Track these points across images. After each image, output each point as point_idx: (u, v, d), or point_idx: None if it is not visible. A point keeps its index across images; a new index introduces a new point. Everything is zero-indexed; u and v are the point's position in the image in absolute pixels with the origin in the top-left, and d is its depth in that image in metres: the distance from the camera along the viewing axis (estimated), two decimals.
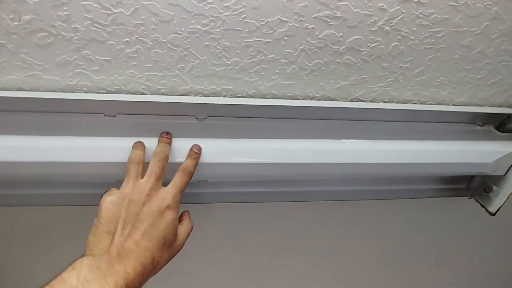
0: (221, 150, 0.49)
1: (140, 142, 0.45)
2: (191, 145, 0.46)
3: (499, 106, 0.58)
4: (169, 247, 0.40)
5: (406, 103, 0.54)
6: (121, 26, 0.41)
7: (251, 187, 0.56)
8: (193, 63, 0.45)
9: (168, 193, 0.41)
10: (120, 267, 0.33)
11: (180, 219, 0.46)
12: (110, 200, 0.38)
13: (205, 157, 0.48)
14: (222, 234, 0.64)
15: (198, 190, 0.55)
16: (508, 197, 0.60)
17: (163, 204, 0.40)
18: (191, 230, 0.45)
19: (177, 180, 0.43)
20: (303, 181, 0.57)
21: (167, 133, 0.46)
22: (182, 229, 0.43)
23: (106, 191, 0.40)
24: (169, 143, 0.45)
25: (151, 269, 0.36)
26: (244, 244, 0.66)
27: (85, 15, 0.40)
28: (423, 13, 0.46)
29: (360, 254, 0.75)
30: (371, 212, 0.68)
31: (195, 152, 0.45)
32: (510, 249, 0.85)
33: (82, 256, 0.34)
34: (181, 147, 0.47)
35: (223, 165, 0.49)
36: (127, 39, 0.42)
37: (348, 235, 0.71)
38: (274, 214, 0.62)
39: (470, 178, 0.66)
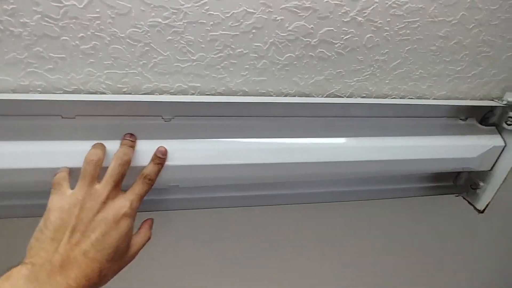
0: (191, 152, 0.46)
1: (100, 143, 0.41)
2: (156, 148, 0.43)
3: (481, 99, 0.56)
4: (120, 258, 0.37)
5: (385, 97, 0.52)
6: (74, 20, 0.39)
7: (225, 191, 0.53)
8: (156, 60, 0.42)
9: (126, 200, 0.38)
10: (62, 279, 0.29)
11: (139, 228, 0.42)
12: (60, 205, 0.35)
13: (174, 160, 0.45)
14: (199, 242, 0.60)
15: (169, 196, 0.52)
16: (495, 194, 0.58)
17: (120, 212, 0.37)
18: (147, 241, 0.41)
19: (137, 187, 0.40)
20: (281, 183, 0.54)
21: (131, 135, 0.43)
22: (137, 239, 0.40)
23: (54, 189, 0.36)
24: (133, 146, 0.42)
25: (97, 282, 0.32)
26: (220, 251, 0.62)
27: (34, 8, 0.37)
28: (396, 2, 0.44)
29: (346, 256, 0.72)
30: (356, 214, 0.66)
31: (159, 157, 0.42)
32: (500, 247, 0.82)
33: (21, 263, 0.30)
34: (146, 149, 0.43)
35: (193, 168, 0.46)
36: (82, 34, 0.39)
37: (332, 239, 0.68)
38: (252, 219, 0.59)
39: (456, 175, 0.64)
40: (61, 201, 0.35)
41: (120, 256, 0.37)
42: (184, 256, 0.62)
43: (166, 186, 0.51)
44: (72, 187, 0.38)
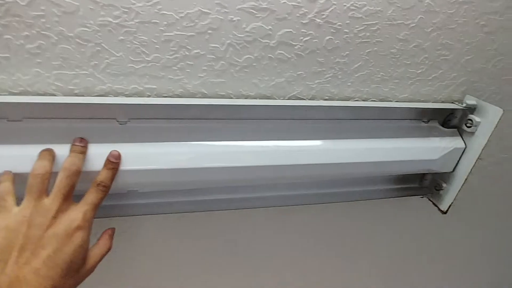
0: (147, 156, 0.44)
1: (48, 150, 0.39)
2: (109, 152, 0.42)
3: (442, 101, 0.57)
4: (76, 272, 0.35)
5: (348, 100, 0.52)
6: (17, 18, 0.37)
7: (188, 195, 0.51)
8: (108, 60, 0.41)
9: (78, 212, 0.36)
10: None
11: (98, 239, 0.41)
12: (5, 224, 0.33)
13: (130, 164, 0.43)
14: (167, 246, 0.59)
15: (128, 202, 0.50)
16: (457, 194, 0.59)
17: (72, 225, 0.35)
18: (107, 252, 0.40)
19: (90, 196, 0.38)
20: (241, 187, 0.53)
21: (81, 139, 0.41)
22: (95, 251, 0.39)
23: None
24: (83, 152, 0.40)
25: None
26: (188, 256, 0.61)
27: None
28: (355, 5, 0.44)
29: (311, 262, 0.72)
30: (321, 218, 0.65)
31: (112, 162, 0.41)
32: (465, 247, 0.84)
33: None
34: (100, 154, 0.42)
35: (150, 172, 0.45)
36: (27, 33, 0.38)
37: (295, 244, 0.68)
38: (212, 223, 0.58)
39: (422, 177, 0.64)
40: (7, 220, 0.33)
41: (75, 271, 0.35)
42: (152, 261, 0.60)
43: (125, 191, 0.50)
44: (20, 196, 0.36)
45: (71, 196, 0.37)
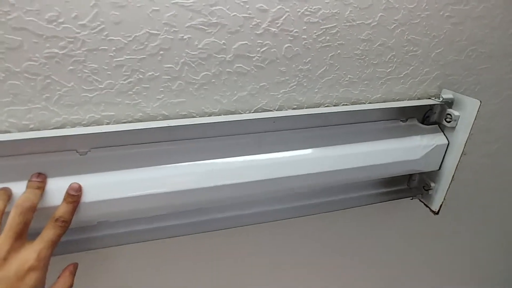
0: (112, 185, 0.43)
1: (4, 189, 0.38)
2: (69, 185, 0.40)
3: (418, 98, 0.55)
4: None
5: (318, 106, 0.50)
6: None
7: (162, 221, 0.50)
8: (60, 92, 0.40)
9: (32, 252, 0.35)
10: None
11: (58, 277, 0.39)
12: None
13: (94, 195, 0.42)
14: (142, 276, 0.57)
15: (99, 233, 0.48)
16: (446, 193, 0.56)
17: (24, 267, 0.34)
18: None
19: (46, 233, 0.37)
20: (215, 208, 0.51)
21: (39, 174, 0.40)
22: None
23: None
24: (40, 187, 0.39)
25: None
26: (168, 283, 0.58)
27: None
28: (309, 9, 0.43)
29: (303, 275, 0.69)
30: (311, 229, 0.63)
31: (72, 195, 0.39)
32: (460, 246, 0.80)
33: None
34: (60, 188, 0.41)
35: (117, 201, 0.43)
36: None
37: (281, 262, 0.65)
38: (191, 249, 0.56)
39: (409, 177, 0.62)
40: None
41: None
42: None
43: (95, 222, 0.48)
44: None
45: (24, 235, 0.35)
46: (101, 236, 0.49)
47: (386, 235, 0.70)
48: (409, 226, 0.70)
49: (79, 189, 0.40)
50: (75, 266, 0.41)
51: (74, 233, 0.48)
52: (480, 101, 0.48)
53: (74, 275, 0.41)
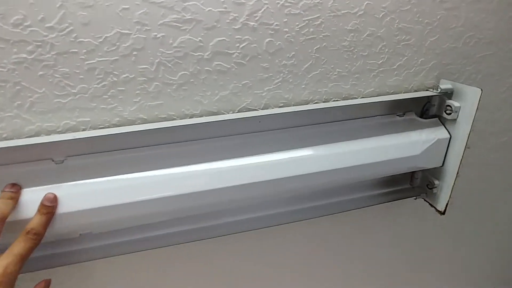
0: (90, 194, 0.41)
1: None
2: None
3: (415, 90, 0.52)
4: None
5: (307, 103, 0.48)
6: None
7: (144, 232, 0.47)
8: (31, 98, 0.38)
9: None
10: None
11: None
12: None
13: (74, 205, 0.40)
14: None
15: (82, 246, 0.46)
16: (452, 191, 0.52)
17: None
18: None
19: (16, 247, 0.35)
20: (206, 214, 0.48)
21: (13, 185, 0.38)
22: None
23: None
24: (13, 198, 0.37)
25: None
26: None
27: None
28: (289, 0, 0.41)
29: (306, 280, 0.65)
30: (311, 232, 0.59)
31: (46, 206, 0.38)
32: (469, 247, 0.75)
33: None
34: (36, 199, 0.39)
35: (96, 211, 0.41)
36: None
37: (275, 269, 0.61)
38: (174, 257, 0.53)
39: (411, 176, 0.58)
40: None
41: None
42: None
43: (77, 235, 0.46)
44: None
45: None
46: (85, 249, 0.47)
47: (390, 238, 0.66)
48: (414, 228, 0.66)
49: (54, 200, 0.38)
50: (48, 282, 0.39)
51: (57, 247, 0.46)
52: (481, 89, 0.45)
53: None
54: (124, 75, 0.40)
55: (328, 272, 0.65)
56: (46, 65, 0.37)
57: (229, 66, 0.42)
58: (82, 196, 0.41)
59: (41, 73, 0.38)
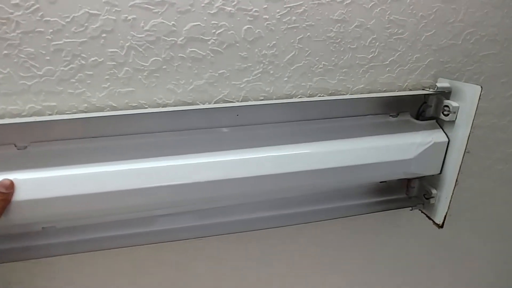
0: (52, 182, 0.38)
1: None
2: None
3: (410, 89, 0.48)
4: None
5: (291, 98, 0.45)
6: None
7: (107, 230, 0.44)
8: None
9: None
10: None
11: None
12: None
13: (34, 193, 0.37)
14: None
15: (44, 241, 0.43)
16: (451, 201, 0.47)
17: None
18: None
19: None
20: (183, 213, 0.45)
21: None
22: None
23: None
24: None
25: None
26: None
27: None
28: None
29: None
30: (302, 240, 0.55)
31: (1, 193, 0.35)
32: (470, 264, 0.68)
33: None
34: None
35: (56, 200, 0.38)
36: None
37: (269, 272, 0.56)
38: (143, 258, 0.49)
39: (407, 185, 0.53)
40: None
41: None
42: None
43: (39, 228, 0.44)
44: None
45: None
46: (48, 244, 0.44)
47: (383, 253, 0.61)
48: (409, 243, 0.60)
49: (10, 186, 0.36)
50: None
51: (19, 240, 0.43)
52: (481, 87, 0.41)
53: None
54: (93, 58, 0.38)
55: (316, 284, 0.60)
56: (10, 44, 0.36)
57: (204, 54, 0.40)
58: (43, 184, 0.38)
59: (5, 52, 0.36)
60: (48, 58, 0.37)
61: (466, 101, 0.43)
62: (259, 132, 0.44)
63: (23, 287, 0.46)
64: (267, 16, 0.40)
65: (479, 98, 0.41)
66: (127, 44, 0.38)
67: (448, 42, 0.46)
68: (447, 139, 0.46)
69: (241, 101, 0.43)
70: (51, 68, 0.38)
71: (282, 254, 0.55)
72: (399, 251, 0.60)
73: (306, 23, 0.41)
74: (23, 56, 0.37)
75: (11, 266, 0.44)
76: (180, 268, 0.51)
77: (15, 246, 0.43)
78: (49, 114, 0.40)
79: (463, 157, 0.44)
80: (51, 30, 0.36)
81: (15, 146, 0.39)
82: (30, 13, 0.35)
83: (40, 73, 0.38)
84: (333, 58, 0.43)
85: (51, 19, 0.36)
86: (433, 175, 0.49)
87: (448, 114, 0.45)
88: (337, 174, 0.44)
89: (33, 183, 0.38)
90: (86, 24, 0.37)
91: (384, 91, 0.47)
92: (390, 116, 0.47)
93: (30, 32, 0.36)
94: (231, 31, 0.40)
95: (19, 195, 0.37)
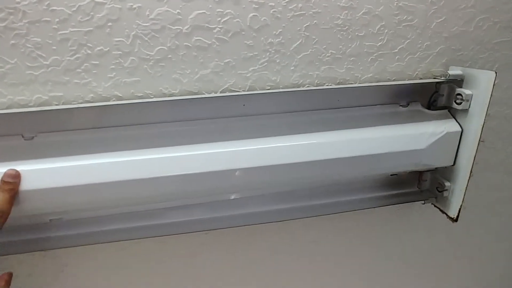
0: (59, 171, 0.38)
1: None
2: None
3: (421, 78, 0.47)
4: None
5: (298, 87, 0.44)
6: None
7: (113, 222, 0.44)
8: (3, 69, 0.37)
9: None
10: None
11: None
12: None
13: (42, 183, 0.37)
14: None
15: (52, 234, 0.43)
16: (465, 194, 0.45)
17: None
18: None
19: None
20: (181, 206, 0.44)
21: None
22: None
23: None
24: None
25: None
26: None
27: None
28: None
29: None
30: (307, 235, 0.54)
31: (7, 182, 0.35)
32: (485, 258, 0.65)
33: None
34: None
35: (64, 190, 0.38)
36: None
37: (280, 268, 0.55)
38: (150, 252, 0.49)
39: (419, 178, 0.52)
40: None
41: None
42: None
43: (47, 219, 0.44)
44: None
45: None
46: (54, 236, 0.44)
47: (395, 249, 0.59)
48: (422, 237, 0.58)
49: (16, 176, 0.36)
50: (10, 274, 0.36)
51: (27, 233, 0.43)
52: (496, 72, 0.39)
53: (9, 284, 0.36)
54: (99, 48, 0.38)
55: (324, 281, 0.58)
56: (18, 34, 0.36)
57: (209, 42, 0.40)
58: (50, 174, 0.38)
59: (13, 42, 0.36)
60: (54, 47, 0.37)
61: (480, 88, 0.41)
62: (266, 122, 0.43)
63: (31, 279, 0.46)
64: (273, 4, 0.39)
65: (494, 85, 0.40)
66: (133, 33, 0.38)
67: (460, 29, 0.45)
68: (460, 129, 0.44)
69: (247, 91, 0.43)
70: (57, 58, 0.38)
71: (292, 248, 0.54)
72: (411, 246, 0.58)
73: (313, 10, 0.40)
74: (30, 46, 0.37)
75: (19, 258, 0.44)
76: (188, 262, 0.50)
77: (23, 238, 0.43)
78: (56, 105, 0.40)
79: (477, 147, 0.43)
80: (57, 20, 0.36)
81: (23, 136, 0.39)
82: (36, 2, 0.35)
83: (47, 63, 0.38)
84: (340, 46, 0.43)
85: (57, 8, 0.36)
86: (446, 166, 0.47)
87: (461, 103, 0.43)
88: (346, 164, 0.43)
89: (41, 173, 0.38)
90: (91, 13, 0.37)
91: (394, 80, 0.46)
92: (400, 106, 0.46)
93: (36, 21, 0.36)
94: (237, 19, 0.39)
95: (27, 185, 0.37)
